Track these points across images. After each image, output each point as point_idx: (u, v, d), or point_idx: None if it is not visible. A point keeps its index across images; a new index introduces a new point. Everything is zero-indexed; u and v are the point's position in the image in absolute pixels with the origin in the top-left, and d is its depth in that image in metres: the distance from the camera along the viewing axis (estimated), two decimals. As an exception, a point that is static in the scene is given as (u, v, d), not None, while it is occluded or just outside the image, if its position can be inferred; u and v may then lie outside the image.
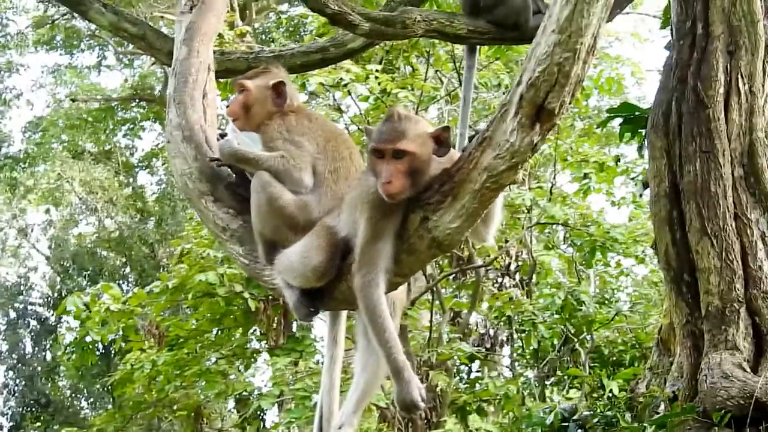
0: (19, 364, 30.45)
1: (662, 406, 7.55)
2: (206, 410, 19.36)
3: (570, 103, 4.24)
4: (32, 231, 31.99)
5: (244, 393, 16.03)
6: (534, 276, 17.31)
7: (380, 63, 15.57)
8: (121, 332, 15.61)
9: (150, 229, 29.76)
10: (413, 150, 4.39)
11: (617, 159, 16.36)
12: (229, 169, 5.51)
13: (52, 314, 29.65)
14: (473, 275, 16.60)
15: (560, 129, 16.34)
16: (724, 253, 7.11)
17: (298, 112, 5.39)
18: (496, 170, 4.23)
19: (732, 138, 7.39)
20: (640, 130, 8.75)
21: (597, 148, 17.98)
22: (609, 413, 8.11)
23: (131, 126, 31.71)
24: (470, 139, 4.43)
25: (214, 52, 6.78)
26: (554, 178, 17.36)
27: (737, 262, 7.12)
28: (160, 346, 16.32)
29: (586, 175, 16.29)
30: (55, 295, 30.03)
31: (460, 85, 10.99)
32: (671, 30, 8.13)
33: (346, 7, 7.80)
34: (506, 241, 16.66)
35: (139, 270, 29.29)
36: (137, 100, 31.11)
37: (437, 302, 15.81)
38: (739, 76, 7.47)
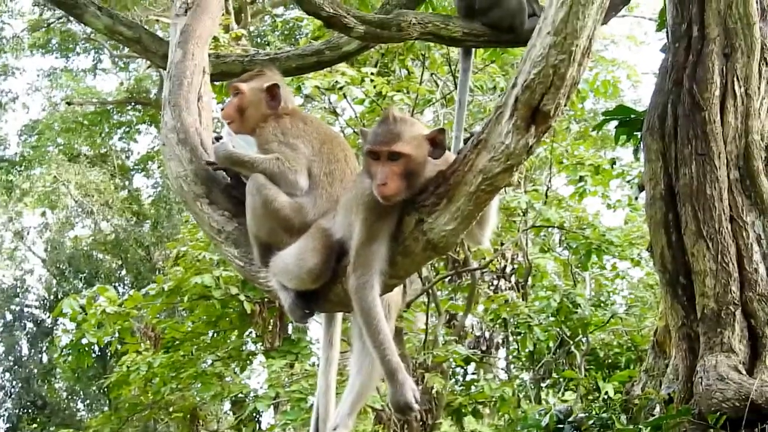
0: (16, 366, 30.47)
1: (657, 409, 7.56)
2: (202, 412, 19.37)
3: (565, 106, 4.23)
4: (28, 234, 32.06)
5: (240, 395, 16.06)
6: (529, 279, 17.34)
7: (375, 66, 15.59)
8: (117, 334, 15.62)
9: (146, 231, 29.77)
10: (408, 152, 4.39)
11: (613, 162, 16.38)
12: (224, 173, 5.51)
13: (49, 316, 29.62)
14: (469, 278, 16.60)
15: (556, 132, 16.35)
16: (719, 256, 7.11)
17: (293, 115, 5.39)
18: (491, 172, 4.23)
19: (728, 141, 7.39)
20: (635, 133, 8.75)
21: (593, 151, 18.03)
22: (604, 415, 8.12)
23: (127, 129, 31.73)
24: (465, 141, 4.42)
25: (210, 55, 6.79)
26: (550, 181, 17.41)
27: (733, 264, 7.12)
28: (156, 348, 16.31)
29: (581, 178, 16.31)
30: (52, 297, 30.01)
31: (456, 88, 11.02)
32: (667, 32, 8.12)
33: (342, 9, 7.81)
34: (502, 244, 16.66)
35: (135, 272, 29.29)
36: (133, 104, 31.10)
37: (433, 305, 15.81)
38: (735, 79, 7.46)
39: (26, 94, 32.44)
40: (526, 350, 16.08)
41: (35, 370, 30.30)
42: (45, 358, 30.48)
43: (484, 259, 16.09)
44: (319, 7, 7.69)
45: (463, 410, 14.43)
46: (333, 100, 16.55)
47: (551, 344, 15.21)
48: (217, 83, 9.35)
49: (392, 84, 14.99)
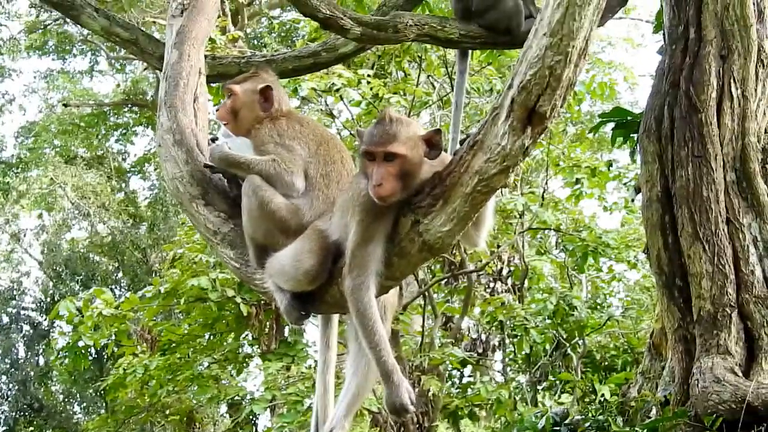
0: (12, 369, 30.42)
1: (654, 411, 7.56)
2: (198, 415, 19.35)
3: (561, 107, 4.22)
4: (25, 236, 32.03)
5: (237, 397, 15.99)
6: (526, 281, 17.35)
7: (372, 68, 15.57)
8: (113, 337, 15.55)
9: (142, 233, 29.74)
10: (404, 153, 4.38)
11: (609, 164, 16.38)
12: (220, 174, 5.50)
13: (45, 319, 29.64)
14: (465, 280, 16.58)
15: (552, 134, 16.37)
16: (716, 258, 7.11)
17: (289, 117, 5.39)
18: (487, 174, 4.22)
19: (724, 142, 7.39)
20: (632, 135, 8.76)
21: (589, 153, 18.05)
22: (601, 418, 8.12)
23: (123, 131, 31.77)
24: (461, 142, 4.41)
25: (207, 56, 6.79)
26: (546, 183, 17.39)
27: (729, 266, 7.12)
28: (153, 350, 16.28)
29: (578, 180, 16.30)
30: (48, 299, 30.00)
31: (452, 90, 11.01)
32: (664, 34, 8.13)
33: (338, 11, 7.81)
34: (498, 246, 16.65)
35: (132, 275, 29.27)
36: (129, 105, 31.14)
37: (429, 307, 15.79)
38: (732, 81, 7.47)
39: (23, 96, 32.47)
40: (523, 353, 16.08)
41: (32, 373, 30.25)
42: (41, 361, 30.43)
43: (481, 261, 16.07)
44: (315, 9, 7.69)
45: (460, 413, 14.41)
46: (330, 102, 16.56)
47: (548, 347, 15.22)
48: (213, 85, 9.35)
49: (389, 86, 14.98)
